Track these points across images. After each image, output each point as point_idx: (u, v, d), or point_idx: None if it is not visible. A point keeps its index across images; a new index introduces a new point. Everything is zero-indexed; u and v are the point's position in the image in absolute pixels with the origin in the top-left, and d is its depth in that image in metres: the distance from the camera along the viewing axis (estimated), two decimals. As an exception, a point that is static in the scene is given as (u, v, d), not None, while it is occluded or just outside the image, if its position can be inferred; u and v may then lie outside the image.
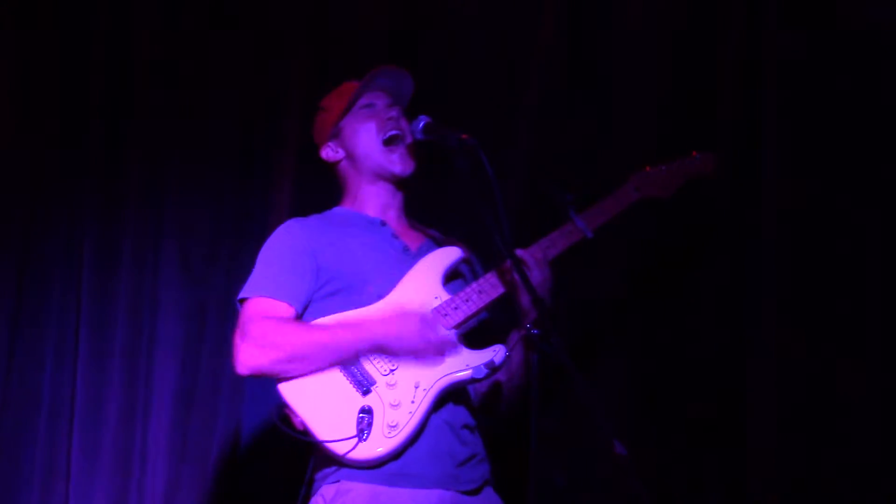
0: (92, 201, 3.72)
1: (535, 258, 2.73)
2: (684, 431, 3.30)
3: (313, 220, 2.88)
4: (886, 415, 3.10)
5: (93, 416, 3.60)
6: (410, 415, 2.57)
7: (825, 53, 3.35)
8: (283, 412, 2.63)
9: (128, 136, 3.77)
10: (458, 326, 2.68)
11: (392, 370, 2.61)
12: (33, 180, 3.73)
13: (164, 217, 3.73)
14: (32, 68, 3.77)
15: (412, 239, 2.90)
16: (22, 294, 3.67)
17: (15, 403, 3.61)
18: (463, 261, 2.85)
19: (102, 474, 3.58)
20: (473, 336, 2.73)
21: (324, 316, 2.68)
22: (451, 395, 2.65)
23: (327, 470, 2.61)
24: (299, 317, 2.72)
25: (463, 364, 2.62)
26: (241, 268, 2.94)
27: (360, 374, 2.60)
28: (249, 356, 2.61)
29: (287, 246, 2.78)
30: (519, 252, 2.72)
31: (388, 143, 2.88)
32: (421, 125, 2.74)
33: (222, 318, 3.60)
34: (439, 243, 2.88)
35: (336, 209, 2.96)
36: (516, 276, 2.59)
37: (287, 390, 2.61)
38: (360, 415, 2.55)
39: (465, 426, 2.69)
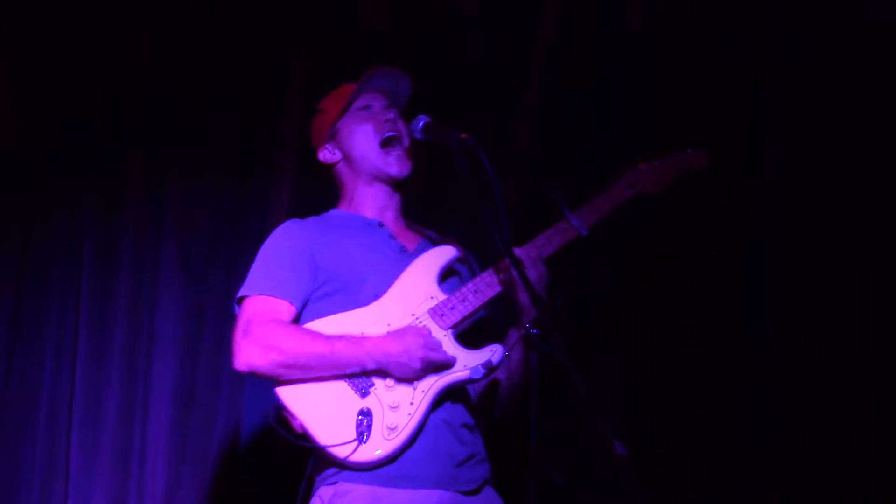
0: (92, 201, 3.72)
1: (530, 256, 2.73)
2: (681, 430, 3.30)
3: (311, 221, 2.89)
4: (885, 414, 3.10)
5: (92, 415, 3.61)
6: (409, 416, 2.57)
7: (825, 53, 3.35)
8: (280, 415, 2.63)
9: (128, 136, 3.77)
10: (454, 326, 2.69)
11: None
12: (33, 180, 3.73)
13: (164, 217, 3.73)
14: (32, 68, 3.77)
15: (409, 240, 2.90)
16: (22, 294, 3.67)
17: (14, 403, 3.62)
18: (459, 260, 2.85)
19: (102, 473, 3.58)
20: (471, 335, 2.73)
21: (321, 316, 2.69)
22: (449, 394, 2.66)
23: (326, 472, 2.62)
24: (298, 316, 2.72)
25: (461, 365, 2.63)
26: (240, 268, 2.94)
27: (359, 376, 2.60)
28: (250, 355, 2.61)
29: (285, 246, 2.79)
30: (514, 250, 2.71)
31: (385, 144, 2.88)
32: (420, 125, 2.74)
33: (222, 318, 3.60)
34: (436, 243, 2.88)
35: (333, 211, 2.96)
36: (514, 275, 2.59)
37: (285, 394, 2.61)
38: (359, 417, 2.56)
39: (465, 425, 2.69)
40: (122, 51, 3.79)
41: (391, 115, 2.90)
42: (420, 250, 2.84)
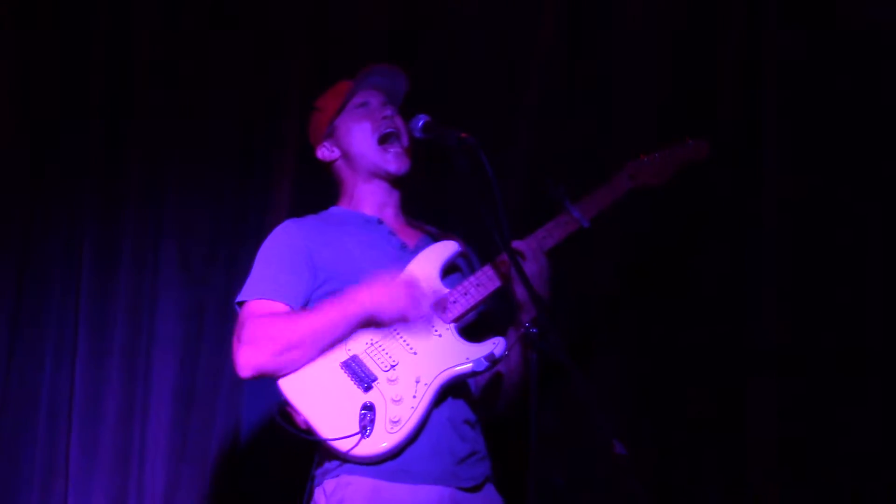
0: (92, 201, 3.71)
1: (530, 248, 2.74)
2: (683, 422, 3.30)
3: (309, 220, 2.89)
4: (886, 403, 3.10)
5: (92, 415, 3.59)
6: (413, 410, 2.57)
7: (825, 53, 3.36)
8: (284, 410, 2.62)
9: (128, 136, 3.76)
10: (457, 320, 2.69)
11: (393, 366, 2.61)
12: (33, 180, 3.72)
13: (164, 217, 3.72)
14: (32, 68, 3.76)
15: (409, 236, 2.90)
16: (21, 293, 3.65)
17: (14, 403, 3.60)
18: (461, 255, 2.85)
19: (101, 473, 3.57)
20: (473, 329, 2.73)
21: (323, 314, 2.68)
22: (451, 390, 2.66)
23: (329, 465, 2.62)
24: None
25: (463, 357, 2.62)
26: (240, 267, 2.94)
27: (361, 370, 2.60)
28: (248, 357, 2.61)
29: (283, 246, 2.79)
30: (515, 243, 2.72)
31: (383, 141, 2.88)
32: (420, 124, 2.73)
33: (221, 318, 3.59)
34: (436, 239, 2.88)
35: (333, 209, 2.96)
36: (513, 270, 2.59)
37: (288, 388, 2.61)
38: (363, 411, 2.55)
39: (466, 422, 2.69)
40: (122, 51, 3.78)
41: (388, 112, 2.91)
42: (420, 246, 2.84)
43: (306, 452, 2.70)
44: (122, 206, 3.72)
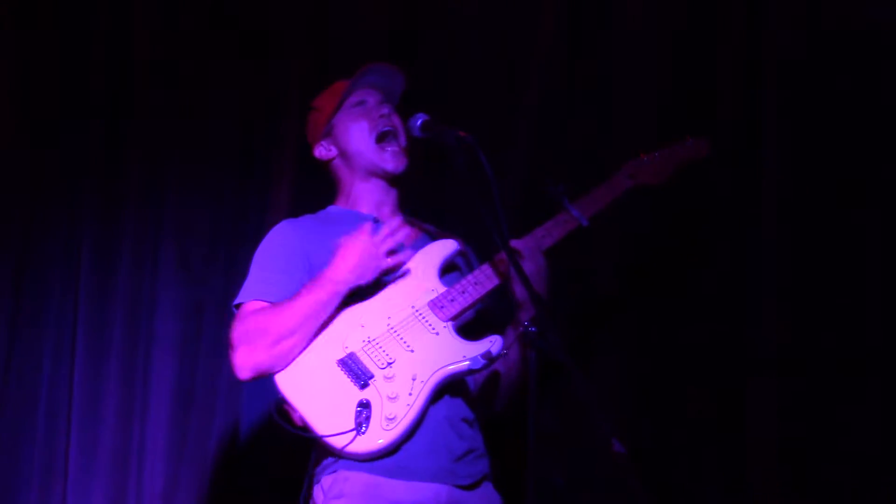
0: (91, 201, 3.72)
1: (528, 248, 2.73)
2: (683, 424, 3.30)
3: (306, 220, 2.89)
4: (886, 405, 3.10)
5: (91, 415, 3.60)
6: (408, 407, 2.56)
7: (825, 53, 3.35)
8: (281, 407, 2.63)
9: (127, 136, 3.76)
10: (454, 318, 2.68)
11: (389, 363, 2.61)
12: (33, 180, 3.72)
13: (164, 217, 3.72)
14: (32, 68, 3.77)
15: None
16: (20, 294, 3.65)
17: (13, 403, 3.61)
18: (459, 253, 2.84)
19: (101, 473, 3.57)
20: (472, 327, 2.73)
21: (319, 315, 2.68)
22: (449, 387, 2.66)
23: (326, 462, 2.62)
24: None
25: (460, 355, 2.62)
26: (239, 268, 2.94)
27: (358, 367, 2.60)
28: (244, 357, 2.62)
29: (279, 247, 2.79)
30: (513, 242, 2.71)
31: (381, 140, 2.88)
32: (419, 122, 2.73)
33: (220, 318, 3.59)
34: (434, 238, 2.88)
35: (330, 208, 2.96)
36: (512, 269, 2.59)
37: (285, 385, 2.61)
38: (358, 408, 2.55)
39: (464, 419, 2.69)
40: (122, 51, 3.79)
41: (386, 111, 2.90)
42: (418, 245, 2.84)
43: (305, 451, 2.71)
44: (122, 207, 3.73)
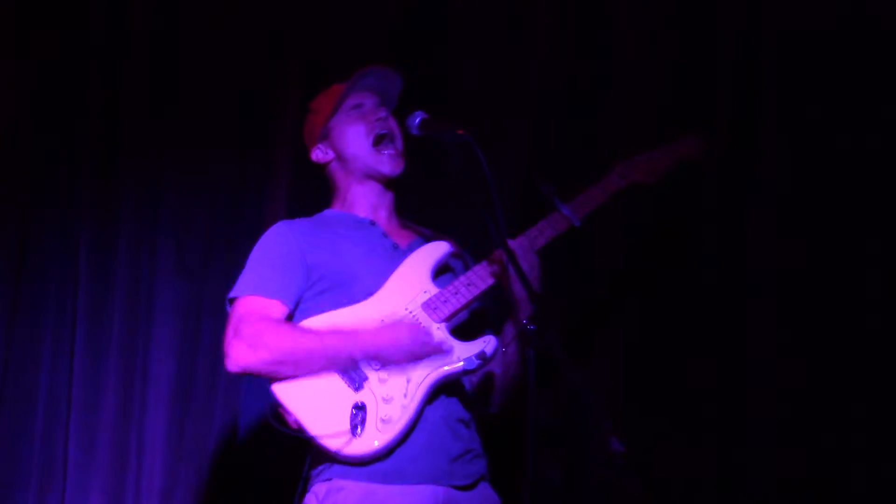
0: (89, 200, 3.72)
1: (522, 247, 2.73)
2: (681, 423, 3.29)
3: (302, 222, 2.89)
4: (887, 405, 3.09)
5: (89, 412, 3.60)
6: (404, 409, 2.56)
7: (825, 53, 3.35)
8: (276, 411, 2.63)
9: (126, 135, 3.76)
10: (447, 319, 2.68)
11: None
12: (31, 179, 3.73)
13: (161, 215, 3.72)
14: (32, 68, 3.77)
15: (402, 237, 2.90)
16: (19, 293, 3.66)
17: (12, 401, 3.61)
18: (453, 255, 2.85)
19: (99, 471, 3.57)
20: (466, 328, 2.72)
21: (315, 314, 2.69)
22: (445, 388, 2.65)
23: (321, 467, 2.61)
24: (290, 315, 2.72)
25: (454, 356, 2.62)
26: (237, 266, 2.94)
27: (352, 370, 2.60)
28: (241, 355, 2.61)
29: (275, 246, 2.79)
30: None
31: (377, 142, 2.88)
32: (417, 121, 2.72)
33: (218, 317, 3.55)
34: (429, 240, 2.88)
35: (326, 211, 2.96)
36: (509, 267, 2.59)
37: (280, 389, 2.61)
38: (354, 411, 2.55)
39: (460, 420, 2.69)
40: (121, 50, 3.79)
41: (383, 114, 2.90)
42: (413, 247, 2.84)
43: (303, 449, 2.70)
44: (120, 206, 3.73)
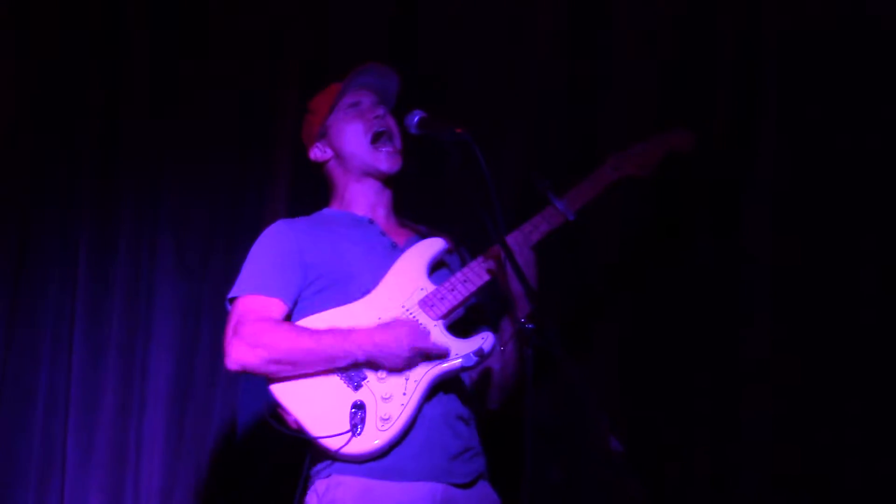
0: (89, 200, 3.72)
1: (517, 242, 2.73)
2: (679, 422, 3.29)
3: (300, 221, 2.90)
4: (882, 405, 3.09)
5: (88, 411, 3.60)
6: (403, 407, 2.57)
7: (825, 53, 3.34)
8: (275, 411, 2.64)
9: (125, 134, 3.77)
10: (444, 316, 2.69)
11: None
12: (31, 178, 3.73)
13: (161, 215, 3.73)
14: (32, 68, 3.77)
15: (400, 235, 2.90)
16: (18, 291, 3.66)
17: (11, 399, 3.61)
18: (448, 251, 2.85)
19: (98, 469, 3.58)
20: (464, 324, 2.73)
21: (313, 312, 2.69)
22: (444, 385, 2.66)
23: (321, 465, 2.62)
24: (290, 313, 2.72)
25: (452, 353, 2.62)
26: (236, 265, 2.94)
27: (351, 369, 2.60)
28: (240, 353, 2.63)
29: (274, 245, 2.80)
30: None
31: (375, 140, 2.88)
32: (415, 120, 2.72)
33: (218, 315, 3.57)
34: (425, 237, 2.88)
35: (324, 210, 2.97)
36: (506, 264, 2.59)
37: (278, 390, 2.62)
38: (353, 410, 2.56)
39: (460, 418, 2.69)
40: (120, 50, 3.79)
41: (380, 112, 2.91)
42: (409, 245, 2.84)
43: (302, 449, 2.70)
44: (119, 205, 3.73)
